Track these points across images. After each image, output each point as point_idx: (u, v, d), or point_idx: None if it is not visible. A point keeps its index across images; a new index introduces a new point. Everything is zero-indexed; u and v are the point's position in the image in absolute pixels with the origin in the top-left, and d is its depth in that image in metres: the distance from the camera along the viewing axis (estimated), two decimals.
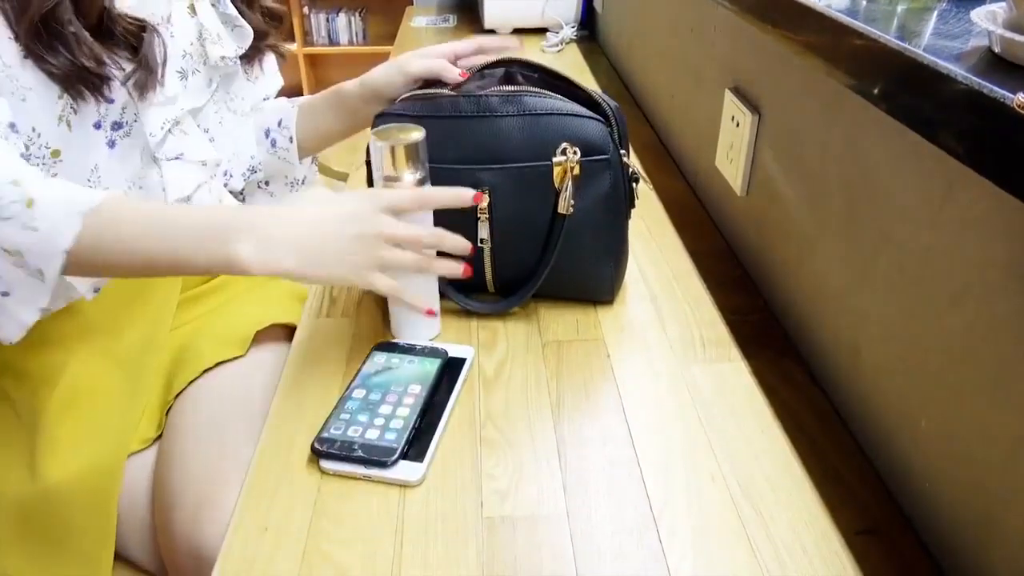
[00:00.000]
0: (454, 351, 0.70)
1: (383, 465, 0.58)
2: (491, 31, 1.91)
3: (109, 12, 0.71)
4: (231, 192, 0.90)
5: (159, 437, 0.81)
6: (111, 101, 0.73)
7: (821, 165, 0.68)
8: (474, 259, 0.75)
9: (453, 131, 0.71)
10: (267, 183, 0.99)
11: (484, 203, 0.71)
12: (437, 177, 0.69)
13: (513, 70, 0.77)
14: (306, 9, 3.82)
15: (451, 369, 0.68)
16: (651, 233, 0.94)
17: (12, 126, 0.69)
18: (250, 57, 0.92)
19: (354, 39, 3.89)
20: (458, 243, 0.67)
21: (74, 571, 0.75)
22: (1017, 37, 0.42)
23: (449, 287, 0.75)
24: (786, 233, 0.76)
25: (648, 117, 1.36)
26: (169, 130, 0.78)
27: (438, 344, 0.71)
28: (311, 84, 3.96)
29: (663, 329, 0.75)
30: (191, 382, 0.80)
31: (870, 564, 0.52)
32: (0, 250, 0.60)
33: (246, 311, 0.89)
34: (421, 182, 0.66)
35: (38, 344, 0.79)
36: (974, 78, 0.41)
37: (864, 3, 0.60)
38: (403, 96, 0.75)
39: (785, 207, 0.76)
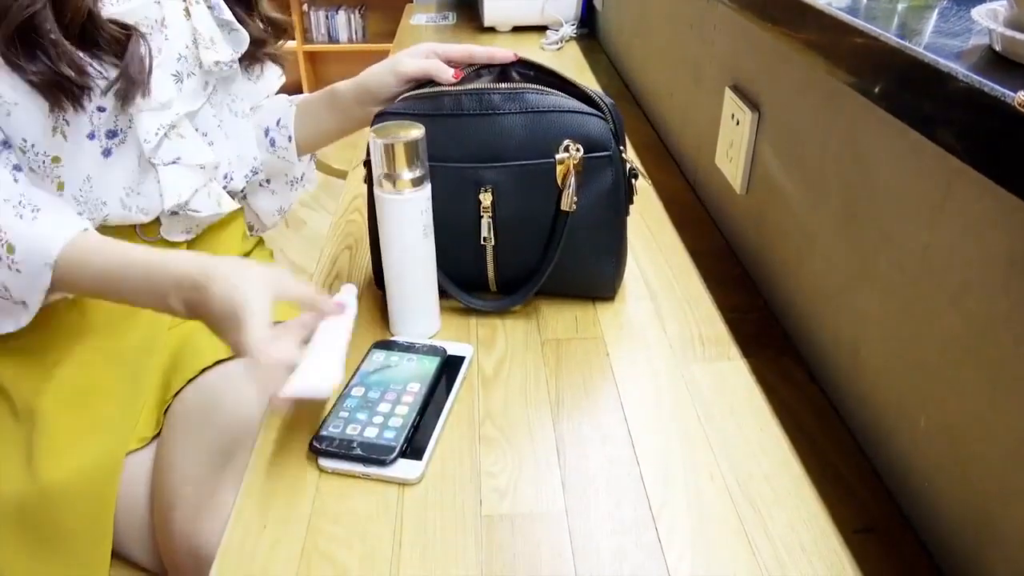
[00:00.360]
0: (453, 349, 0.70)
1: (382, 463, 0.58)
2: (491, 29, 1.91)
3: (93, 19, 0.70)
4: (231, 193, 0.89)
5: (157, 436, 0.81)
6: (102, 110, 0.73)
7: (821, 163, 0.68)
8: (476, 258, 0.75)
9: (455, 129, 0.71)
10: (268, 181, 0.99)
11: (487, 202, 0.71)
12: (440, 175, 0.69)
13: (509, 68, 0.77)
14: (305, 7, 3.81)
15: (450, 367, 0.68)
16: (651, 232, 0.94)
17: (4, 143, 0.70)
18: (249, 62, 0.91)
19: (353, 36, 3.88)
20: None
21: (71, 570, 0.75)
22: (1018, 35, 0.42)
23: (451, 284, 0.75)
24: (786, 231, 0.76)
25: (648, 115, 1.36)
26: (165, 134, 0.78)
27: (437, 342, 0.71)
28: (310, 81, 3.96)
29: (662, 328, 0.75)
30: (189, 381, 0.80)
31: (869, 563, 0.52)
32: None
33: None
34: (420, 180, 0.65)
35: (36, 342, 0.79)
36: (975, 76, 0.41)
37: (864, 1, 0.60)
38: (404, 95, 0.75)
39: (785, 205, 0.76)
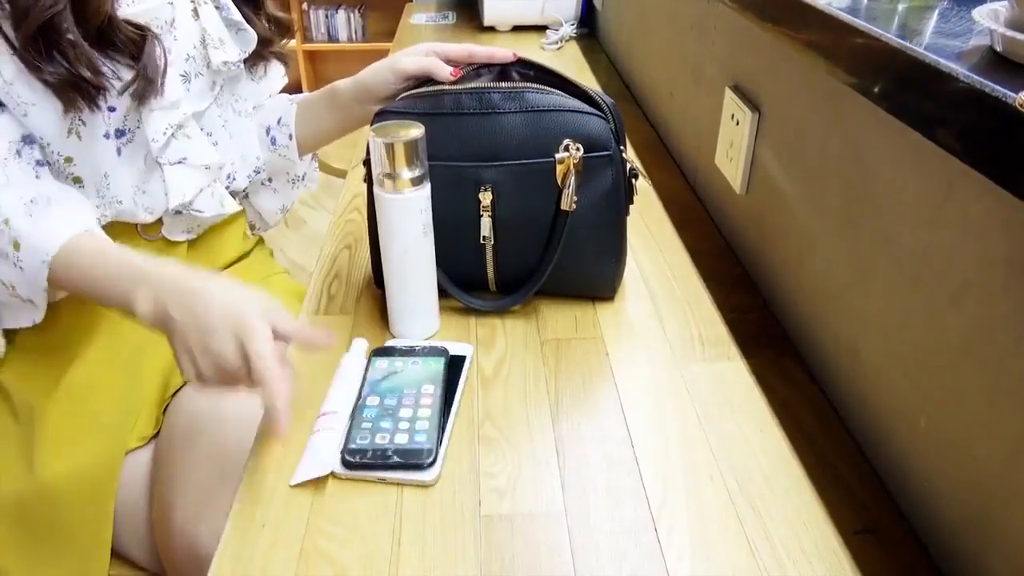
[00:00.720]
0: (454, 349, 0.69)
1: (420, 467, 0.57)
2: (491, 28, 1.91)
3: (111, 20, 0.70)
4: (233, 193, 0.89)
5: (157, 435, 0.81)
6: (112, 110, 0.73)
7: (821, 164, 0.68)
8: (476, 257, 0.75)
9: (455, 128, 0.71)
10: (270, 180, 0.99)
11: (487, 202, 0.71)
12: (440, 174, 0.69)
13: (509, 68, 0.77)
14: (305, 6, 3.81)
15: (453, 367, 0.68)
16: (651, 232, 0.93)
17: (26, 138, 0.70)
18: (253, 62, 0.92)
19: (353, 36, 3.88)
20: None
21: (71, 568, 0.75)
22: (1019, 36, 0.42)
23: (450, 284, 0.75)
24: (786, 232, 0.76)
25: (648, 115, 1.36)
26: (172, 134, 0.78)
27: (437, 343, 0.71)
28: (310, 81, 3.96)
29: (662, 328, 0.75)
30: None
31: (868, 564, 0.52)
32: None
33: None
34: (419, 179, 0.65)
35: (36, 342, 0.79)
36: (975, 77, 0.41)
37: (865, 1, 0.60)
38: (404, 94, 0.75)
39: (785, 206, 0.76)
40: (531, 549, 0.52)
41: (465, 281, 0.76)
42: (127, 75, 0.72)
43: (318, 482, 0.57)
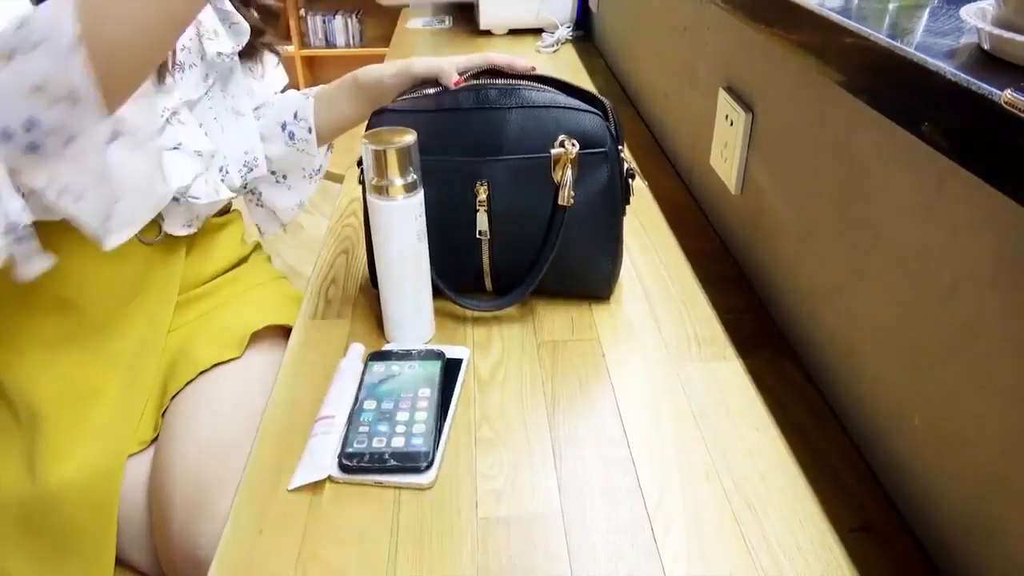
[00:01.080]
0: (450, 352, 0.70)
1: (417, 470, 0.57)
2: (487, 32, 1.91)
3: None
4: (229, 188, 0.90)
5: (155, 439, 0.81)
6: None
7: (814, 163, 0.68)
8: (472, 253, 0.75)
9: (452, 123, 0.71)
10: (284, 177, 1.00)
11: (483, 195, 0.72)
12: (437, 169, 0.69)
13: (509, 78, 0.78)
14: (303, 11, 3.81)
15: (449, 370, 0.68)
16: (646, 232, 0.94)
17: None
18: (248, 55, 0.92)
19: (351, 41, 3.88)
20: None
21: (75, 572, 0.75)
22: (1005, 34, 0.43)
23: (446, 287, 0.75)
24: (780, 231, 0.76)
25: (643, 116, 1.36)
26: (167, 119, 0.79)
27: (434, 346, 0.71)
28: (308, 86, 3.96)
29: (658, 328, 0.75)
30: (187, 384, 0.80)
31: (865, 561, 0.52)
32: (27, 95, 0.53)
33: (242, 313, 0.89)
34: (412, 186, 0.65)
35: (36, 345, 0.79)
36: (962, 75, 0.41)
37: (856, 1, 0.60)
38: (402, 94, 0.76)
39: (779, 205, 0.76)
40: (528, 550, 0.52)
41: (461, 278, 0.76)
42: None
43: (316, 486, 0.58)
